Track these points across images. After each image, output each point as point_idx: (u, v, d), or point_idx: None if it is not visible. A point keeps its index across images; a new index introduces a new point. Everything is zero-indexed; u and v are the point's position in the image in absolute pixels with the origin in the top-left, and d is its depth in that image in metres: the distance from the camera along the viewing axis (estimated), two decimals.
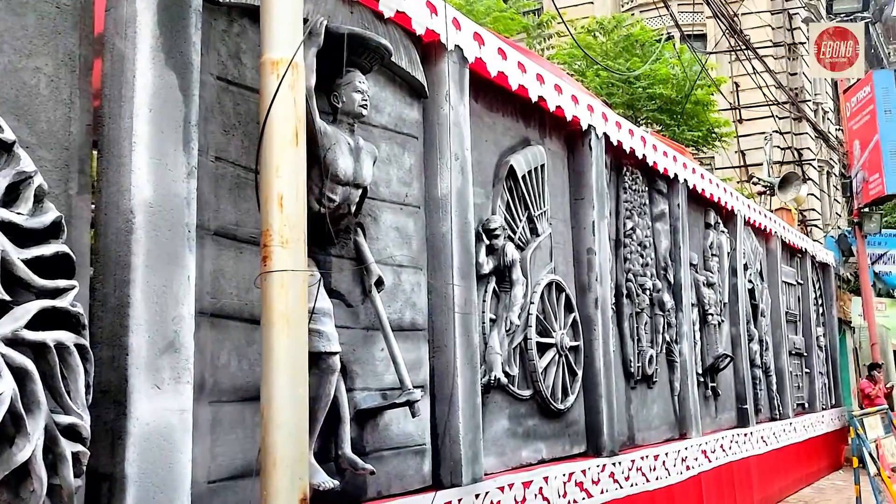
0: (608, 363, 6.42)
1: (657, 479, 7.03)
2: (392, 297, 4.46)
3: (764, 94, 14.77)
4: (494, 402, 5.26)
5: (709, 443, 8.31)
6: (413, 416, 4.19)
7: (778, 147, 22.14)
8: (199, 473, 3.17)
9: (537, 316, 5.70)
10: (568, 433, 6.04)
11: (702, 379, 8.56)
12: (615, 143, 6.89)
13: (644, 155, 7.37)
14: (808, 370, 12.84)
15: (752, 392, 10.16)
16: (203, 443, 3.22)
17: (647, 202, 7.82)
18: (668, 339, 7.83)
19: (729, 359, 8.96)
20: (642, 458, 6.83)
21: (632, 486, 6.57)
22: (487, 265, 5.27)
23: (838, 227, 20.25)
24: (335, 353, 3.77)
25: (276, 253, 3.07)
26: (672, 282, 7.97)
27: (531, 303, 5.64)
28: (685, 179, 8.26)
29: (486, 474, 5.00)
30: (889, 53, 38.99)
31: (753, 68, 17.07)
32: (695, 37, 22.61)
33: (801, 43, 22.66)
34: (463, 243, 4.85)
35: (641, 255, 7.43)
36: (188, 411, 3.00)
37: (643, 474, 6.80)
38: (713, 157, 22.73)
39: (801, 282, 12.92)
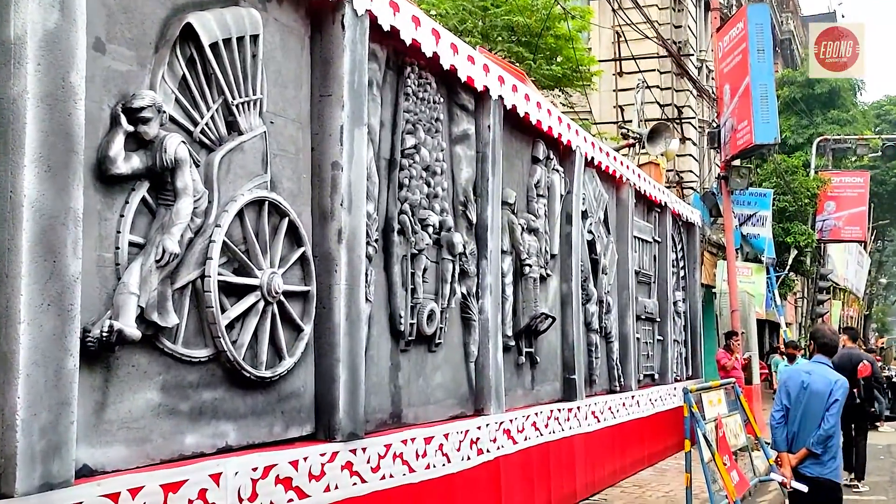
0: (355, 317, 4.80)
1: (429, 467, 5.49)
2: None
3: (625, 47, 13.34)
4: (131, 365, 3.55)
5: (516, 420, 6.84)
6: None
7: (657, 103, 21.03)
8: None
9: (227, 245, 4.00)
10: (282, 410, 4.40)
11: (512, 343, 7.06)
12: (389, 30, 5.22)
13: (436, 54, 5.72)
14: (661, 337, 11.62)
15: (586, 360, 8.79)
16: None
17: (445, 118, 6.20)
18: (463, 291, 6.27)
19: (550, 320, 7.50)
20: (406, 441, 5.27)
21: (384, 478, 5.00)
22: (128, 162, 3.53)
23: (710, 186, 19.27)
24: None
25: None
26: (473, 221, 6.40)
27: (216, 226, 3.94)
28: (500, 96, 6.66)
29: (96, 473, 3.31)
30: (781, 21, 38.64)
31: (628, 19, 15.74)
32: None
33: None
34: (53, 116, 3.10)
35: (428, 183, 5.81)
36: None
37: (405, 462, 5.24)
38: (590, 112, 21.50)
39: (659, 239, 11.64)
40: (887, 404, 16.97)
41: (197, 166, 3.88)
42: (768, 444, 8.63)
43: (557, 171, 8.09)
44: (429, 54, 5.65)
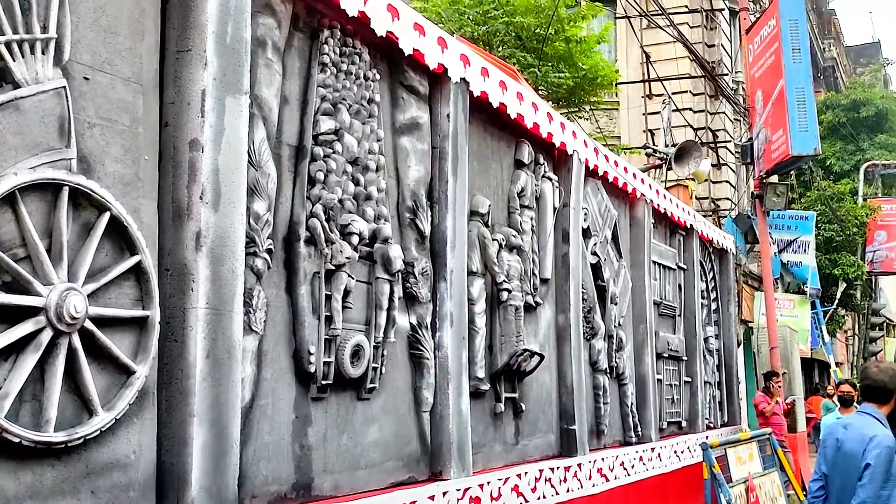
0: (224, 354, 3.47)
1: None
2: None
3: (655, 68, 12.00)
4: None
5: (489, 484, 5.41)
6: None
7: (690, 127, 19.59)
8: None
9: None
10: (92, 489, 3.05)
11: (486, 387, 5.65)
12: None
13: (365, 16, 4.44)
14: (689, 379, 10.07)
15: (592, 407, 7.34)
16: None
17: (386, 101, 4.90)
18: (411, 321, 4.91)
19: (538, 358, 6.07)
20: None
21: None
22: None
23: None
24: None
25: None
26: (425, 233, 5.05)
27: None
28: (463, 80, 5.35)
29: None
30: (823, 48, 37.02)
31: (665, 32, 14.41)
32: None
33: (718, 10, 20.12)
34: None
35: (355, 180, 4.49)
36: None
37: None
38: (619, 137, 20.19)
39: (685, 266, 10.17)
40: None
41: None
42: None
43: (550, 179, 6.72)
44: (353, 14, 4.37)
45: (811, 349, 18.90)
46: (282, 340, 4.01)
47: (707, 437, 7.43)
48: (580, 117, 14.23)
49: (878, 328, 25.67)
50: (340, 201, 4.35)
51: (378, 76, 4.78)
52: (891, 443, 4.16)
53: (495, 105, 5.77)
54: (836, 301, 21.37)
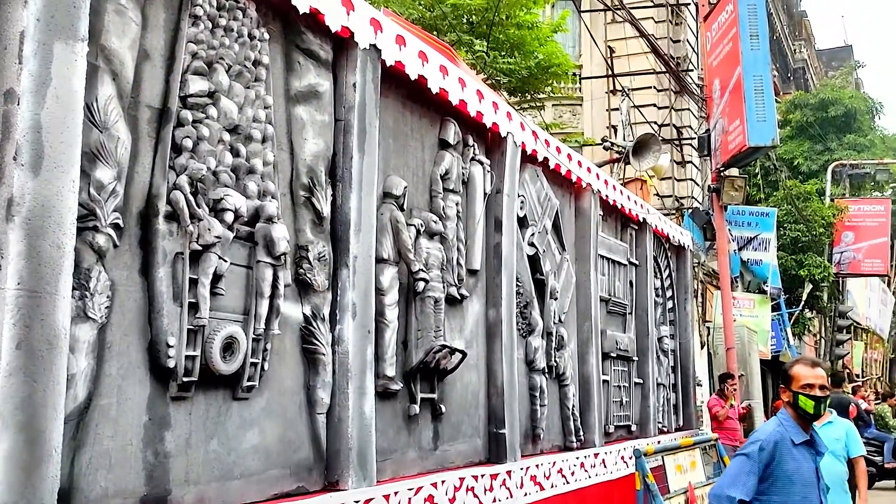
0: (42, 344, 2.97)
1: None
2: None
3: (620, 64, 11.53)
4: None
5: (397, 495, 4.89)
6: None
7: (655, 123, 19.20)
8: None
9: None
10: None
11: (398, 387, 5.13)
12: None
13: None
14: (640, 380, 9.61)
15: (528, 409, 6.85)
16: None
17: (279, 66, 4.37)
18: (305, 313, 4.38)
19: (460, 355, 5.56)
20: None
21: None
22: None
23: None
24: None
25: None
26: (323, 213, 4.52)
27: None
28: (373, 46, 4.83)
29: None
30: (794, 49, 36.90)
31: (632, 25, 13.97)
32: None
33: (685, 4, 19.75)
34: None
35: (234, 151, 3.96)
36: None
37: None
38: (582, 133, 19.78)
39: (637, 262, 9.70)
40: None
41: None
42: None
43: (480, 162, 6.22)
44: None
45: (776, 352, 18.57)
46: (133, 330, 3.47)
47: (638, 446, 6.95)
48: (535, 107, 13.72)
49: (844, 331, 25.42)
50: (214, 173, 3.82)
51: (268, 36, 4.25)
52: (761, 437, 4.16)
53: (414, 77, 5.26)
54: (802, 303, 21.07)
